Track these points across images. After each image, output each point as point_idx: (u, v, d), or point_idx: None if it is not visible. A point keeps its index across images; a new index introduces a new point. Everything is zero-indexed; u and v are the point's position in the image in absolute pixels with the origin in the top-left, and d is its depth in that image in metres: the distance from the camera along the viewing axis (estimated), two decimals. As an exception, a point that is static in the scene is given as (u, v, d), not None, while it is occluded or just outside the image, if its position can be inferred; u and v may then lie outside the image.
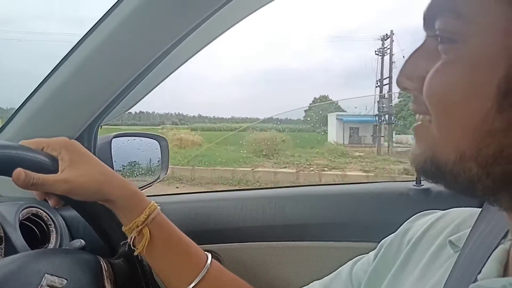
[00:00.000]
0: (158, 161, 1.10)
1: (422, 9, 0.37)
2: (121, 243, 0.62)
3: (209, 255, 0.62)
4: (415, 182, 0.81)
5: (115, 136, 1.00)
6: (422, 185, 0.80)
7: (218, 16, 0.75)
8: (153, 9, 0.72)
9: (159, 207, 0.60)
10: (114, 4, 0.75)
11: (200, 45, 0.91)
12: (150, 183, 1.06)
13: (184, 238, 0.62)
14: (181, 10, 0.73)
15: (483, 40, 0.31)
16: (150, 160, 1.12)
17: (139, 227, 0.57)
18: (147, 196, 0.62)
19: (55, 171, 0.54)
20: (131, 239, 0.57)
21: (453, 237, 0.43)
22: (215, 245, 0.64)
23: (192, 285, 0.58)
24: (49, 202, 0.57)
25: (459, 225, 0.46)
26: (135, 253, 0.58)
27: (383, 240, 0.55)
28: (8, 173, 0.52)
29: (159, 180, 1.09)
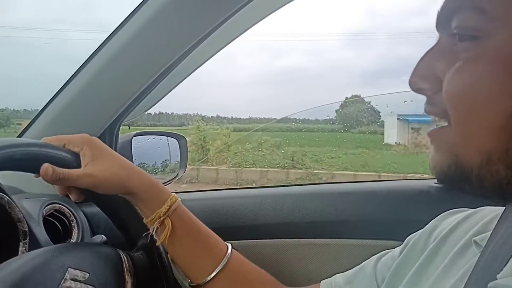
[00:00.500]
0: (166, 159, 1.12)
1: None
2: (143, 235, 0.62)
3: (229, 246, 0.63)
4: (436, 179, 0.79)
5: (136, 135, 1.02)
6: None
7: (236, 18, 0.76)
8: (172, 12, 0.73)
9: (179, 198, 0.61)
10: (135, 8, 0.77)
11: (218, 46, 0.92)
12: (168, 181, 1.08)
13: (205, 229, 0.63)
14: (199, 13, 0.74)
15: (509, 35, 0.30)
16: (170, 158, 1.14)
17: (161, 218, 0.57)
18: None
19: (78, 167, 0.55)
20: (153, 230, 0.58)
21: (478, 237, 0.42)
22: (234, 241, 0.65)
23: (213, 274, 0.59)
24: (70, 196, 0.58)
25: (485, 224, 0.45)
26: (158, 243, 0.59)
27: (409, 236, 0.55)
28: (33, 170, 0.54)
29: (177, 178, 1.10)
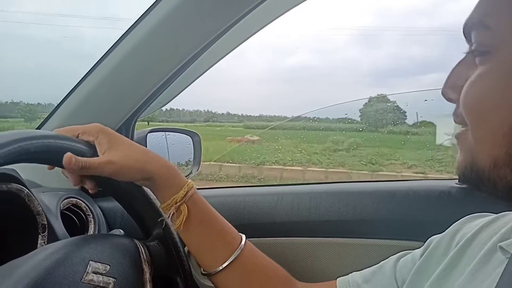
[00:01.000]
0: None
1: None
2: (158, 221, 0.62)
3: (243, 236, 0.63)
4: (457, 180, 0.78)
5: (151, 131, 1.02)
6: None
7: (253, 15, 0.75)
8: (190, 8, 0.73)
9: (195, 185, 0.60)
10: (152, 4, 0.77)
11: (235, 43, 0.92)
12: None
13: (219, 217, 0.63)
14: (216, 10, 0.74)
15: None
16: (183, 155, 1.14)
17: (178, 204, 0.57)
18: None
19: (93, 156, 0.55)
20: (169, 215, 0.58)
21: (503, 242, 0.42)
22: (250, 239, 0.64)
23: (226, 263, 0.59)
24: (86, 186, 0.58)
25: (509, 230, 0.45)
26: (173, 229, 0.60)
27: (431, 238, 0.54)
28: (49, 162, 0.53)
29: (191, 175, 1.10)
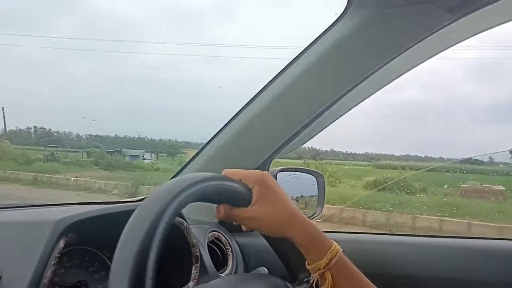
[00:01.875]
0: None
1: None
2: (305, 280, 0.63)
3: None
4: None
5: (280, 171, 1.06)
6: None
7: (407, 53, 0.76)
8: (337, 54, 0.76)
9: (341, 249, 0.59)
10: (300, 53, 0.83)
11: (384, 82, 0.93)
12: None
13: (365, 281, 0.60)
14: (368, 53, 0.76)
15: None
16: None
17: (321, 270, 0.57)
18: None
19: (250, 200, 0.59)
20: (313, 282, 0.58)
21: None
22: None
23: None
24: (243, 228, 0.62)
25: None
26: None
27: None
28: (215, 201, 0.59)
29: (315, 216, 1.11)
